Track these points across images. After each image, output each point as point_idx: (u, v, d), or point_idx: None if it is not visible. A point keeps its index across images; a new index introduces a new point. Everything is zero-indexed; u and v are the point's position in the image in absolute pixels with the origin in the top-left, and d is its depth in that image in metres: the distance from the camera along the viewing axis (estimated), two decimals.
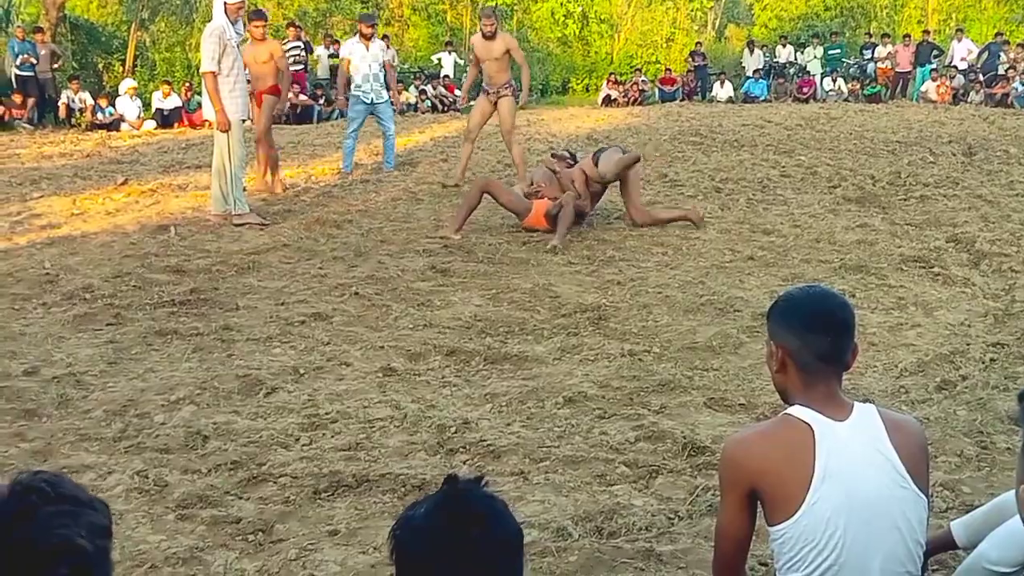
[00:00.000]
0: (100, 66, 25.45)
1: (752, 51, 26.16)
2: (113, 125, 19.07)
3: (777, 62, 26.24)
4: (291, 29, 22.27)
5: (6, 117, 18.93)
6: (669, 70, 27.12)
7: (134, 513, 3.74)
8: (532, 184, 8.93)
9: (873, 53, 25.17)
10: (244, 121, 9.17)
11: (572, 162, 9.01)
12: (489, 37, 10.82)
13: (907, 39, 25.21)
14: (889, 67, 24.53)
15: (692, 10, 34.76)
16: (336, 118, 20.53)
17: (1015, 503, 2.22)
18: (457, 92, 20.11)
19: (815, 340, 2.41)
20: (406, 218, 9.32)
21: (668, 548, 3.43)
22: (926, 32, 26.55)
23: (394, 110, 12.60)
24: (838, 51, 26.31)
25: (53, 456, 4.25)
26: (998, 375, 5.19)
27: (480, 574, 1.68)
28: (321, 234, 8.58)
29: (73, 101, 19.79)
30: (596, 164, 8.76)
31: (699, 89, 25.65)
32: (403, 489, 3.90)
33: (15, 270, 7.37)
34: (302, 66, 21.47)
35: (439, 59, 25.05)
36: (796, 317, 2.46)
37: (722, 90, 24.67)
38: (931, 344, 5.78)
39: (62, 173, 12.25)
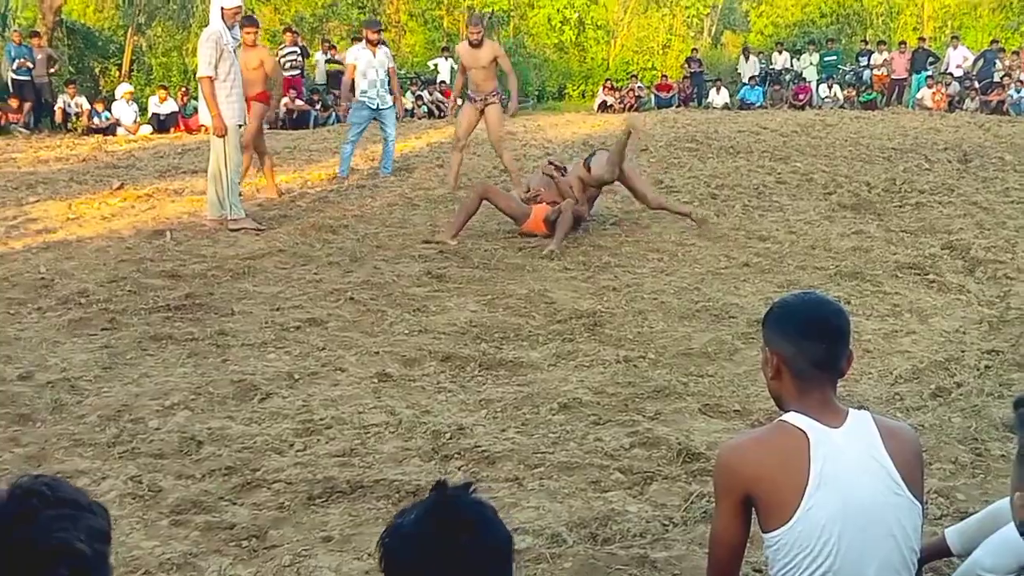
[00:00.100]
0: (96, 71, 25.43)
1: (748, 58, 26.20)
2: (109, 130, 19.07)
3: (773, 69, 26.28)
4: (288, 34, 22.31)
5: (2, 121, 18.93)
6: (665, 76, 27.16)
7: (128, 519, 3.72)
8: (530, 190, 8.94)
9: (869, 60, 25.23)
10: (240, 126, 9.17)
11: (563, 174, 8.99)
12: (476, 45, 10.82)
13: (903, 46, 25.28)
14: (885, 74, 24.59)
15: (688, 17, 34.84)
16: (332, 123, 20.56)
17: (1009, 510, 2.22)
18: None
19: (810, 347, 2.41)
20: (402, 224, 9.32)
21: (663, 554, 3.43)
22: (922, 39, 26.61)
23: (397, 116, 12.63)
24: (834, 58, 26.36)
25: (47, 461, 4.23)
26: (993, 382, 5.20)
27: None
28: (317, 239, 8.58)
29: (69, 106, 19.80)
30: (588, 169, 8.77)
31: (695, 95, 25.69)
32: (397, 495, 3.89)
33: (10, 274, 7.36)
34: (299, 71, 21.51)
35: (435, 65, 25.06)
36: (791, 324, 2.46)
37: (718, 96, 24.71)
38: (926, 351, 5.78)
39: (58, 177, 12.25)
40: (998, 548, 2.66)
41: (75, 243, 8.52)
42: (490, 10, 30.97)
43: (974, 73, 23.58)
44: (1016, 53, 23.96)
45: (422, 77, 24.32)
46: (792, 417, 2.40)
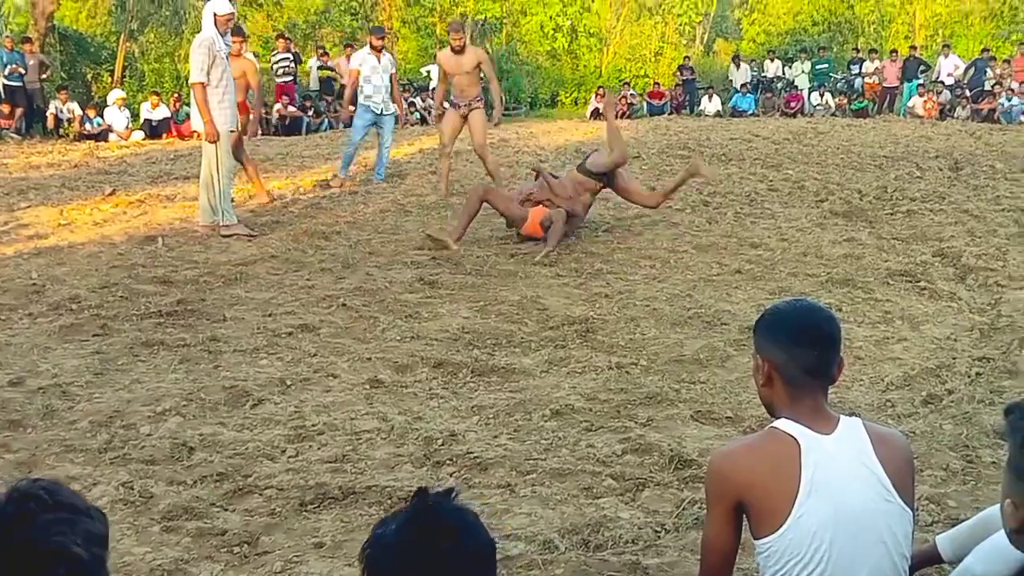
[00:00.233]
0: (89, 76, 25.43)
1: (738, 66, 26.27)
2: (101, 136, 19.05)
3: (765, 77, 26.35)
4: (280, 41, 22.33)
5: None
6: (657, 84, 27.21)
7: (119, 525, 3.71)
8: (523, 192, 8.97)
9: (860, 68, 25.30)
10: (232, 132, 9.17)
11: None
12: (458, 51, 10.84)
13: (894, 54, 25.37)
14: (876, 82, 24.67)
15: (681, 24, 34.93)
16: (325, 130, 20.57)
17: (1000, 517, 2.23)
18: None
19: (801, 354, 2.42)
20: (394, 230, 9.32)
21: (654, 561, 3.43)
22: (913, 48, 26.70)
23: (397, 122, 12.68)
24: (826, 66, 26.43)
25: (38, 467, 4.22)
26: (984, 389, 5.21)
27: None
28: (309, 245, 8.57)
29: (61, 111, 19.77)
30: (586, 171, 8.82)
31: (687, 103, 25.75)
32: (389, 501, 3.89)
33: (1, 280, 7.35)
34: (291, 78, 21.50)
35: (428, 72, 25.08)
36: (782, 331, 2.47)
37: (710, 104, 24.76)
38: (917, 358, 5.80)
39: (50, 183, 12.22)
40: (989, 555, 2.66)
41: (67, 249, 8.51)
42: (483, 17, 31.05)
43: (965, 81, 23.66)
44: (1007, 62, 24.06)
45: (415, 84, 24.34)
46: (783, 424, 2.40)
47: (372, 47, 12.23)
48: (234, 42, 10.36)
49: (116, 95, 20.53)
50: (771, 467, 2.36)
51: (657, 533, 3.66)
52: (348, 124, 20.80)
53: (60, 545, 1.51)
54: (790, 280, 7.49)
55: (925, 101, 22.68)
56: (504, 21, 32.43)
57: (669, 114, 24.75)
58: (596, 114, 24.31)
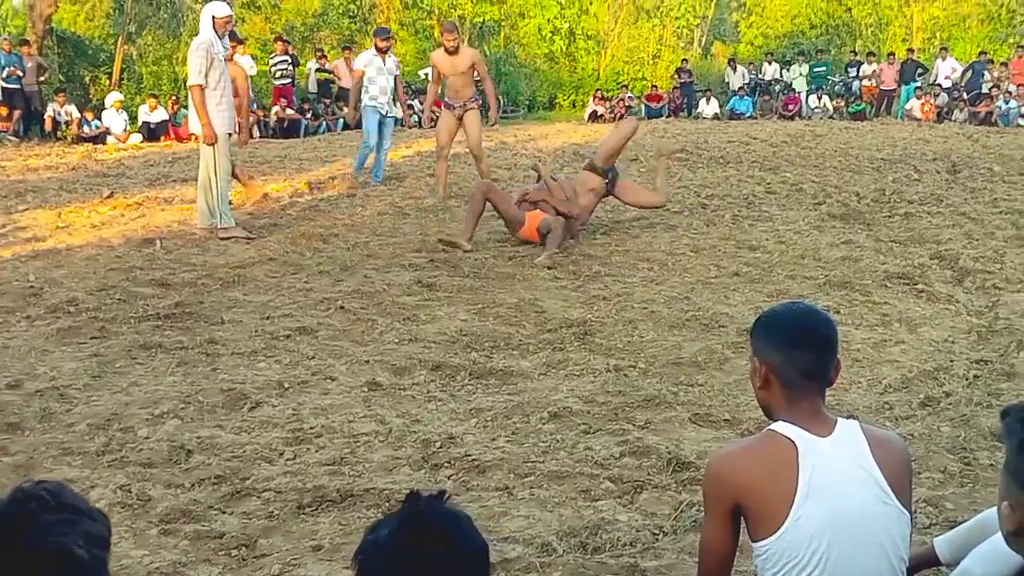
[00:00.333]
0: (87, 79, 25.43)
1: (735, 69, 26.29)
2: (99, 138, 19.06)
3: (763, 79, 26.38)
4: (279, 43, 22.33)
5: None
6: (655, 86, 27.25)
7: (117, 527, 3.70)
8: (521, 192, 9.01)
9: (858, 71, 25.35)
10: (230, 135, 9.17)
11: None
12: (452, 52, 10.82)
13: (892, 57, 25.42)
14: (874, 85, 24.71)
15: (678, 27, 34.96)
16: (323, 132, 20.57)
17: (998, 519, 2.23)
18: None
19: (799, 356, 2.42)
20: (392, 232, 9.32)
21: (653, 563, 3.43)
22: (911, 50, 26.74)
23: (399, 124, 12.72)
24: (823, 69, 26.48)
25: (36, 470, 4.21)
26: (981, 392, 5.21)
27: None
28: (307, 248, 8.57)
29: (59, 114, 19.77)
30: (595, 169, 8.94)
31: (685, 105, 25.79)
32: (387, 504, 3.88)
33: None
34: (289, 80, 21.51)
35: (426, 74, 25.08)
36: (780, 333, 2.47)
37: (708, 107, 24.79)
38: (915, 360, 5.80)
39: (47, 186, 12.22)
40: (987, 557, 2.67)
41: (64, 251, 8.50)
42: (481, 20, 31.06)
43: (963, 84, 23.70)
44: (1004, 64, 24.08)
45: (413, 86, 24.34)
46: (781, 426, 2.41)
47: (377, 49, 12.26)
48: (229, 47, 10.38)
49: (114, 98, 20.54)
50: (769, 470, 2.36)
51: (655, 535, 3.66)
52: (347, 126, 20.89)
53: (61, 545, 1.51)
54: (788, 283, 7.50)
55: (923, 104, 22.71)
56: (502, 24, 32.44)
57: (667, 117, 24.80)
58: (594, 117, 24.34)
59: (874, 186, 11.75)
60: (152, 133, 19.75)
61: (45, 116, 19.86)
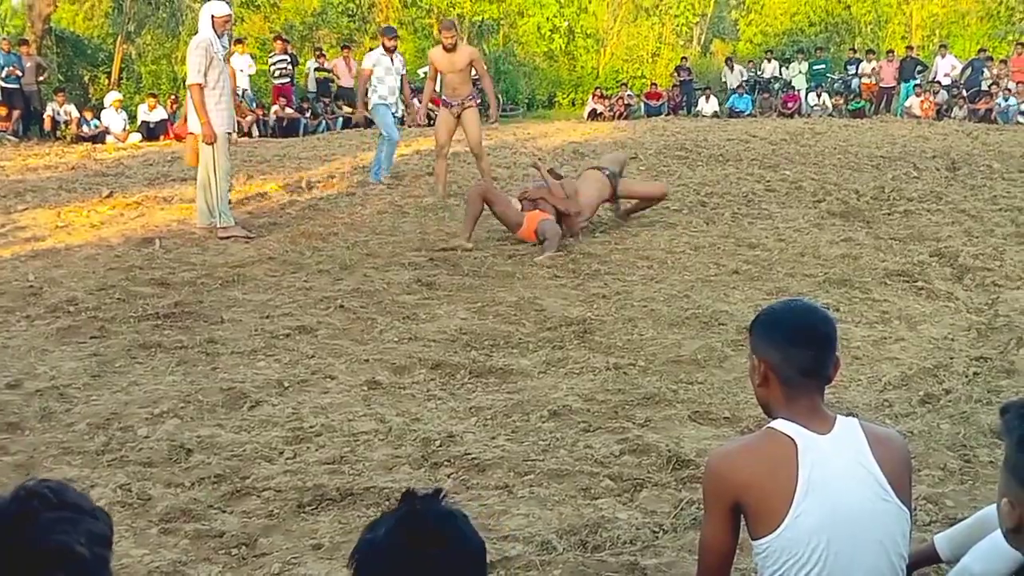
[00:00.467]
0: (86, 79, 25.43)
1: (732, 68, 26.27)
2: (98, 138, 19.05)
3: (762, 77, 26.38)
4: (278, 42, 22.33)
5: None
6: (655, 84, 27.24)
7: (117, 527, 3.69)
8: (524, 191, 9.04)
9: (857, 68, 25.35)
10: (229, 134, 9.16)
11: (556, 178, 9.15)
12: (451, 49, 10.79)
13: (891, 55, 25.42)
14: (873, 82, 24.71)
15: (678, 25, 34.94)
16: (322, 131, 20.56)
17: (997, 516, 2.23)
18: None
19: (797, 354, 2.42)
20: (392, 231, 9.32)
21: (652, 561, 3.43)
22: (910, 48, 26.75)
23: (402, 124, 12.76)
24: (823, 66, 26.48)
25: (36, 470, 4.22)
26: (981, 389, 5.21)
27: None
28: (306, 247, 8.57)
29: (58, 113, 19.77)
30: (612, 180, 9.22)
31: (684, 104, 25.78)
32: (387, 503, 3.87)
33: None
34: (288, 79, 21.51)
35: (425, 73, 25.09)
36: (778, 331, 2.47)
37: (707, 105, 24.79)
38: (915, 358, 5.80)
39: (47, 185, 12.21)
40: (987, 554, 2.67)
41: (64, 251, 8.50)
42: (480, 19, 31.05)
43: (962, 82, 23.70)
44: (1004, 62, 24.08)
45: (412, 85, 24.33)
46: (780, 424, 2.41)
47: (385, 48, 12.28)
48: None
49: (113, 97, 20.54)
50: (768, 467, 2.36)
51: (655, 533, 3.66)
52: (346, 125, 20.89)
53: (62, 543, 1.52)
54: (787, 280, 7.49)
55: (922, 101, 22.72)
56: (501, 22, 32.44)
57: (666, 115, 24.79)
58: (594, 115, 24.33)
59: (873, 184, 11.74)
60: (151, 132, 19.75)
61: (44, 116, 19.86)
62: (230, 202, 9.34)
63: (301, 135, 19.86)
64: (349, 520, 3.79)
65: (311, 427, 4.69)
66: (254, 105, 20.76)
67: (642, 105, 25.64)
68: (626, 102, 25.20)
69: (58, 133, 19.55)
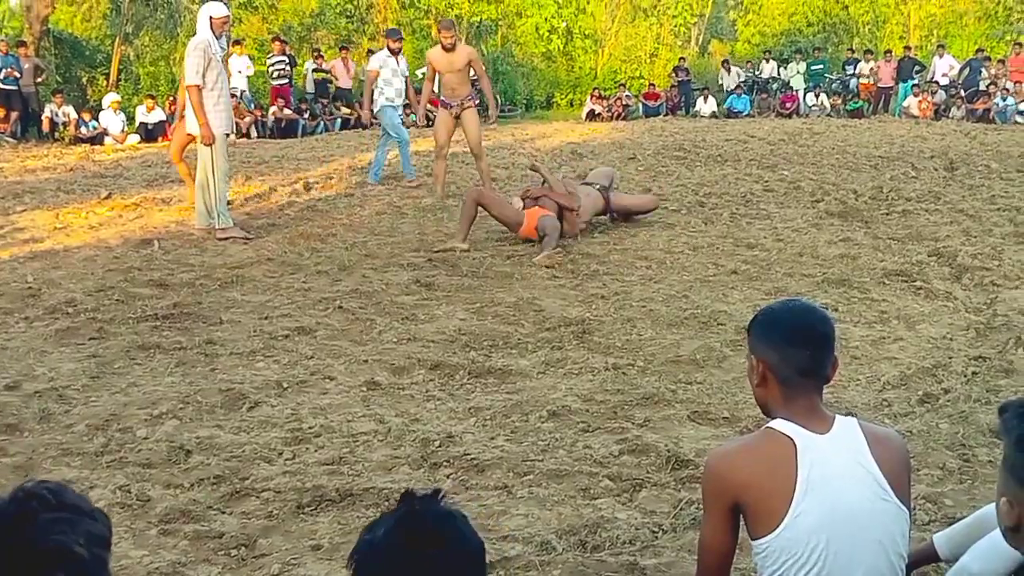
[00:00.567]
0: (84, 80, 25.41)
1: (729, 70, 26.26)
2: (97, 139, 19.05)
3: (760, 77, 26.38)
4: (276, 43, 22.32)
5: None
6: (653, 85, 27.25)
7: (116, 528, 3.68)
8: (526, 190, 9.07)
9: (855, 69, 25.36)
10: (228, 136, 9.16)
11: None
12: (450, 49, 10.76)
13: (889, 55, 25.43)
14: (871, 82, 24.72)
15: (676, 26, 34.97)
16: (321, 132, 20.55)
17: (996, 515, 2.23)
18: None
19: (795, 354, 2.42)
20: (390, 232, 9.32)
21: (652, 561, 3.43)
22: (908, 48, 26.77)
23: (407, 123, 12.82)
24: (821, 67, 26.48)
25: (35, 471, 4.22)
26: (980, 388, 5.21)
27: None
28: (305, 248, 8.57)
29: (56, 115, 19.76)
30: (606, 197, 9.33)
31: (683, 104, 25.79)
32: (387, 504, 3.87)
33: None
34: (287, 80, 21.51)
35: (423, 74, 25.08)
36: (776, 331, 2.47)
37: (705, 105, 24.78)
38: (913, 357, 5.80)
39: (45, 187, 12.21)
40: (986, 553, 2.67)
41: (62, 252, 8.50)
42: (478, 19, 31.05)
43: (960, 82, 23.70)
44: (1001, 62, 24.08)
45: (413, 86, 24.34)
46: (779, 424, 2.41)
47: (390, 50, 12.30)
48: None
49: (111, 99, 20.53)
50: (767, 467, 2.36)
51: (654, 533, 3.66)
52: (344, 126, 20.89)
53: (61, 544, 1.52)
54: (786, 280, 7.50)
55: (920, 101, 22.72)
56: (499, 23, 32.45)
57: (665, 115, 24.79)
58: (592, 116, 24.33)
59: (872, 184, 11.74)
60: (150, 134, 19.75)
61: (42, 117, 19.85)
62: (228, 203, 9.34)
63: (299, 136, 19.86)
64: (348, 521, 3.79)
65: (310, 428, 4.69)
66: (252, 106, 20.76)
67: (640, 106, 25.64)
68: (624, 103, 25.20)
69: (56, 134, 19.55)
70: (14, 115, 19.42)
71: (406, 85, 12.45)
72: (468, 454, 4.37)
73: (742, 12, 37.39)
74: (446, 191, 11.11)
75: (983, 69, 23.60)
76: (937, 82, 23.67)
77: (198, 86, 8.70)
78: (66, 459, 4.37)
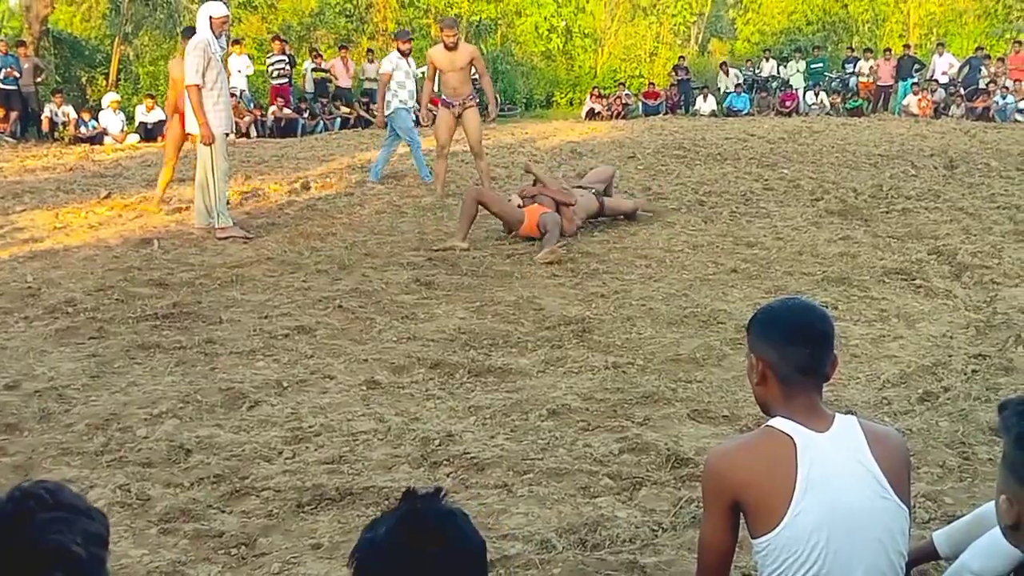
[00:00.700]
0: (83, 80, 25.40)
1: (727, 73, 26.26)
2: (96, 139, 19.04)
3: (760, 76, 26.38)
4: (276, 43, 22.32)
5: None
6: (652, 84, 27.25)
7: (116, 527, 3.70)
8: (523, 190, 9.07)
9: (855, 67, 25.36)
10: (227, 135, 9.16)
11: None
12: (452, 48, 10.74)
13: (888, 53, 25.43)
14: (871, 81, 24.72)
15: (675, 24, 34.98)
16: (320, 132, 20.55)
17: (996, 514, 2.23)
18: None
19: (794, 352, 2.42)
20: (390, 231, 9.32)
21: (652, 560, 3.43)
22: (907, 46, 26.76)
23: (418, 123, 12.83)
24: (820, 65, 26.48)
25: (35, 470, 4.22)
26: (980, 386, 5.21)
27: None
28: (305, 247, 8.57)
29: (56, 115, 19.75)
30: (601, 202, 9.32)
31: (682, 103, 25.78)
32: (386, 502, 3.88)
33: None
34: (286, 80, 21.50)
35: (423, 73, 25.06)
36: (776, 330, 2.47)
37: (705, 104, 24.78)
38: (913, 356, 5.80)
39: (45, 187, 12.21)
40: (986, 551, 2.67)
41: (62, 252, 8.50)
42: (478, 18, 31.05)
43: (960, 80, 23.69)
44: (1001, 60, 24.08)
45: None
46: (779, 422, 2.40)
47: (401, 52, 12.30)
48: None
49: (111, 98, 20.52)
50: (767, 466, 2.36)
51: (654, 532, 3.66)
52: (344, 125, 20.88)
53: (58, 543, 1.52)
54: (786, 279, 7.50)
55: (920, 100, 22.72)
56: (499, 22, 32.45)
57: (664, 114, 24.79)
58: (592, 115, 24.33)
59: (871, 182, 11.74)
60: (149, 133, 19.73)
61: (42, 117, 19.84)
62: (228, 202, 9.34)
63: (299, 135, 19.86)
64: (348, 520, 3.79)
65: (310, 427, 4.69)
66: (252, 106, 20.75)
67: (640, 104, 25.64)
68: (624, 101, 25.20)
69: (56, 134, 19.54)
70: (14, 115, 19.42)
71: (417, 87, 12.44)
72: (468, 453, 4.37)
73: (742, 11, 37.41)
74: (446, 190, 11.11)
75: (983, 67, 23.60)
76: (937, 80, 23.67)
77: (198, 86, 8.70)
78: (66, 458, 4.37)
